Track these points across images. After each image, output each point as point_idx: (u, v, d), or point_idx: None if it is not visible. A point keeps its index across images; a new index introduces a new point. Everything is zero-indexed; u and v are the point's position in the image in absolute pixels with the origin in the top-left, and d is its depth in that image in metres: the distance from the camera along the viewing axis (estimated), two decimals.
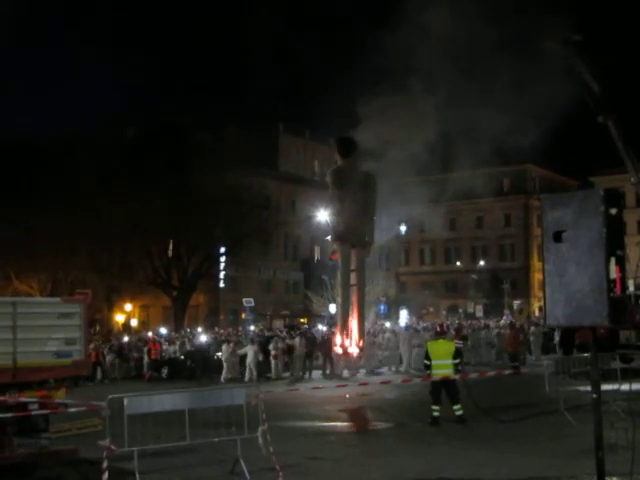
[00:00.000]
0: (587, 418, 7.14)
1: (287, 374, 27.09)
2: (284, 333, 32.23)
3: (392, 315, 55.44)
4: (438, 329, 16.01)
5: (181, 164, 44.55)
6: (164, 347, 30.50)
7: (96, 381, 27.41)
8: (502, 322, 37.93)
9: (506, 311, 57.37)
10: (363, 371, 27.15)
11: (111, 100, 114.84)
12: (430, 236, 73.82)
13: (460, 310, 68.50)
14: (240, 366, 26.53)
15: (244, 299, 49.88)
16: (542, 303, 7.30)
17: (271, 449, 9.45)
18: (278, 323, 51.13)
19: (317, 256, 62.93)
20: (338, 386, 20.21)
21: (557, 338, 28.30)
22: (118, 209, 41.45)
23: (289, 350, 27.42)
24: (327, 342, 26.78)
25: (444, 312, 68.13)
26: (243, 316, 53.16)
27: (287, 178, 62.70)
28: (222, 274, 54.79)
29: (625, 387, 13.42)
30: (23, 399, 9.72)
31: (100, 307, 47.33)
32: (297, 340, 27.61)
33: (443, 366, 13.96)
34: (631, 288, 18.01)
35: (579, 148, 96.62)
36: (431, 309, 68.18)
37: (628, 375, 14.26)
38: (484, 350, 30.23)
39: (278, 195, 59.60)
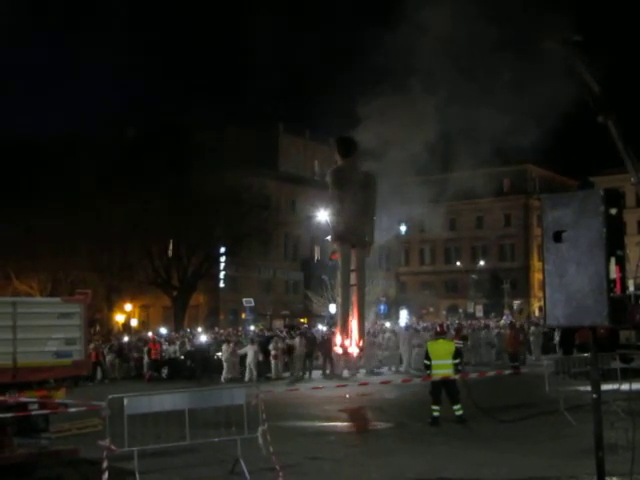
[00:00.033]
0: (587, 418, 7.14)
1: (287, 374, 27.09)
2: (284, 333, 32.23)
3: (392, 315, 55.43)
4: (438, 329, 16.01)
5: (181, 164, 44.55)
6: (164, 347, 30.50)
7: (96, 381, 27.41)
8: (502, 322, 37.93)
9: (506, 311, 57.36)
10: (363, 371, 27.16)
11: (111, 100, 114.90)
12: (430, 236, 73.84)
13: (460, 310, 68.50)
14: (240, 366, 26.53)
15: (244, 299, 49.88)
16: (542, 303, 7.30)
17: (271, 449, 9.45)
18: (278, 323, 51.13)
19: (317, 256, 62.94)
20: (338, 386, 20.21)
21: (557, 338, 28.30)
22: (118, 209, 41.46)
23: (289, 350, 27.42)
24: (327, 342, 26.78)
25: (444, 312, 68.13)
26: (243, 316, 53.16)
27: (287, 178, 62.70)
28: (222, 274, 54.79)
29: (625, 387, 13.42)
30: (23, 399, 9.72)
31: (100, 307, 47.33)
32: (297, 340, 27.62)
33: (443, 366, 13.96)
34: (631, 288, 18.03)
35: (579, 148, 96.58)
36: (431, 309, 68.17)
37: (628, 375, 14.26)
38: (484, 350, 30.23)
39: (278, 195, 59.60)
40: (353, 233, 22.39)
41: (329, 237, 25.68)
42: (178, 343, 31.42)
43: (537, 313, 58.90)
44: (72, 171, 41.36)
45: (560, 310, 5.98)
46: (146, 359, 29.43)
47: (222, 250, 51.40)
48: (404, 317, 55.24)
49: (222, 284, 55.64)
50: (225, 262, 53.62)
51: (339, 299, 23.89)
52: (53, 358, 10.11)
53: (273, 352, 26.79)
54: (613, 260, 5.74)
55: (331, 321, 36.38)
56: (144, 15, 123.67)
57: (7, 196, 41.38)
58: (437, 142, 22.28)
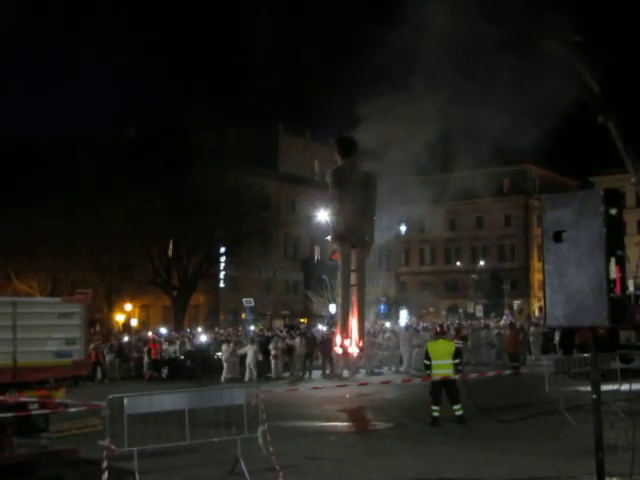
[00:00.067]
0: (587, 418, 7.14)
1: (287, 374, 27.09)
2: (284, 333, 32.23)
3: (392, 315, 55.44)
4: (438, 329, 16.01)
5: (181, 164, 44.55)
6: (164, 347, 30.51)
7: (96, 381, 27.41)
8: (502, 322, 37.92)
9: (506, 311, 57.36)
10: (363, 371, 27.16)
11: (111, 100, 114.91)
12: (430, 236, 73.84)
13: (460, 310, 68.49)
14: (240, 366, 26.53)
15: (244, 299, 49.87)
16: (542, 303, 7.30)
17: (271, 449, 9.45)
18: (278, 323, 51.11)
19: (317, 256, 62.95)
20: (338, 386, 20.21)
21: (557, 338, 28.30)
22: (118, 209, 41.46)
23: (289, 350, 27.42)
24: (327, 342, 26.79)
25: (444, 312, 68.12)
26: (243, 316, 53.17)
27: (287, 178, 62.70)
28: (222, 274, 54.79)
29: (625, 387, 13.42)
30: (23, 399, 9.72)
31: (100, 307, 47.32)
32: (297, 340, 27.62)
33: (443, 366, 13.96)
34: (631, 288, 18.00)
35: (579, 148, 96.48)
36: (431, 309, 68.16)
37: (628, 375, 14.25)
38: (484, 350, 30.23)
39: (278, 195, 59.59)
40: (353, 233, 22.40)
41: (329, 237, 25.68)
42: (178, 343, 31.42)
43: (537, 313, 58.88)
44: (72, 171, 41.36)
45: (560, 310, 5.98)
46: (146, 359, 29.43)
47: (222, 250, 51.38)
48: (404, 317, 55.23)
49: (222, 284, 55.65)
50: (225, 262, 53.61)
51: (339, 299, 23.91)
52: (53, 358, 10.11)
53: (273, 352, 26.79)
54: (613, 260, 5.74)
55: (331, 321, 36.38)
56: (144, 15, 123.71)
57: (7, 196, 41.38)
58: (437, 142, 22.30)
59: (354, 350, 22.85)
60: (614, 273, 5.72)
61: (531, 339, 30.67)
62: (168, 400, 10.03)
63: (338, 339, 23.04)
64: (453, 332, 26.62)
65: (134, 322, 54.02)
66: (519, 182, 74.23)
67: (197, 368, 26.98)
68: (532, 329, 31.65)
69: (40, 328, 10.14)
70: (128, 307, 53.18)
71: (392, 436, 13.07)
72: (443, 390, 13.78)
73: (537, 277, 67.06)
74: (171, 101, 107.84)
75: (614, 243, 5.79)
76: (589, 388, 6.57)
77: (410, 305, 64.00)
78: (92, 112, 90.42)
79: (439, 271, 76.40)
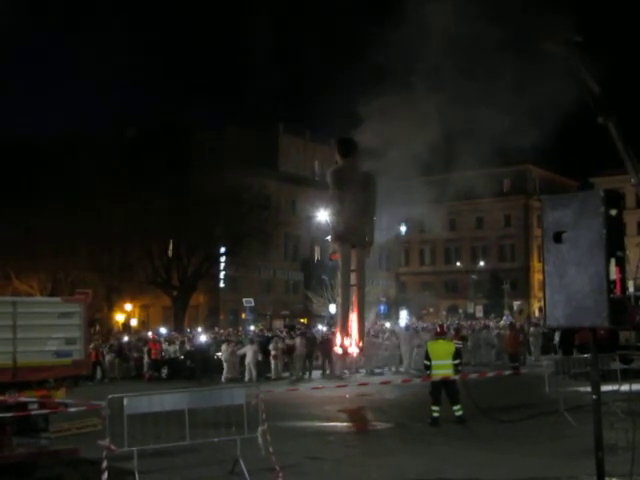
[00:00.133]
0: (587, 419, 7.14)
1: (287, 374, 27.09)
2: (284, 333, 32.23)
3: (392, 315, 55.45)
4: (438, 330, 16.02)
5: (181, 164, 44.54)
6: (164, 347, 30.50)
7: (96, 381, 27.39)
8: (502, 323, 37.93)
9: (506, 311, 57.38)
10: (363, 371, 27.17)
11: (111, 100, 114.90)
12: (430, 236, 73.85)
13: (460, 310, 68.50)
14: (240, 366, 26.53)
15: (244, 299, 49.84)
16: (542, 304, 7.30)
17: (271, 449, 9.46)
18: (278, 323, 51.13)
19: (317, 256, 62.94)
20: (338, 386, 20.22)
21: (557, 339, 28.30)
22: (118, 209, 41.44)
23: (289, 350, 27.42)
24: (327, 342, 26.79)
25: (444, 312, 68.13)
26: (243, 316, 53.15)
27: (287, 178, 62.70)
28: (222, 274, 54.80)
29: (625, 388, 13.43)
30: (23, 399, 9.72)
31: (100, 307, 47.29)
32: (297, 340, 27.62)
33: (443, 366, 13.96)
34: (631, 289, 17.98)
35: (579, 149, 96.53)
36: (431, 309, 68.18)
37: (628, 376, 14.28)
38: (484, 351, 30.22)
39: (278, 195, 59.60)
40: (353, 233, 22.36)
41: (329, 237, 25.64)
42: (178, 343, 31.42)
43: (537, 314, 58.89)
44: (72, 171, 41.32)
45: (560, 311, 5.98)
46: (146, 359, 29.42)
47: (222, 250, 51.38)
48: (404, 317, 55.24)
49: (222, 284, 55.66)
50: (225, 262, 53.61)
51: (339, 299, 23.86)
52: (53, 358, 10.12)
53: (273, 352, 26.79)
54: (613, 261, 5.75)
55: (331, 321, 36.38)
56: (144, 15, 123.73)
57: (7, 196, 41.36)
58: (437, 142, 22.27)
59: (354, 350, 22.83)
60: (614, 274, 5.73)
61: (531, 339, 30.67)
62: (168, 400, 10.03)
63: (338, 339, 23.03)
64: (453, 332, 26.64)
65: (134, 322, 54.02)
66: (519, 182, 74.23)
67: (197, 368, 26.97)
68: (532, 329, 31.66)
69: (40, 328, 10.14)
70: (128, 307, 53.17)
71: (392, 436, 13.08)
72: (443, 390, 13.78)
73: (537, 277, 67.07)
74: (171, 101, 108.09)
75: (614, 244, 5.79)
76: (589, 388, 6.57)
77: (410, 305, 64.01)
78: (92, 112, 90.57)
79: (439, 271, 76.40)
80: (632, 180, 9.42)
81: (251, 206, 47.58)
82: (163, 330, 41.49)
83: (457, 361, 14.35)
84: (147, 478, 9.41)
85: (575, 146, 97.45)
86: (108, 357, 29.80)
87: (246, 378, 25.30)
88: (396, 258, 75.76)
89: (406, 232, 64.78)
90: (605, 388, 8.09)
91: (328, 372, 26.88)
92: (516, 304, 67.23)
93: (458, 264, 73.35)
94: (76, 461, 10.25)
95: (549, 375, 15.20)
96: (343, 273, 22.66)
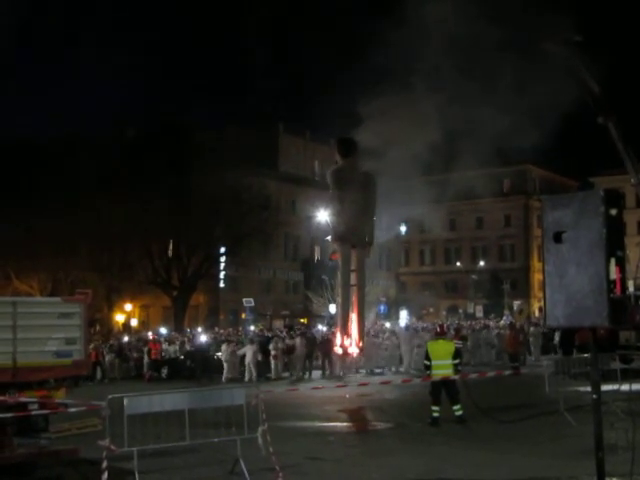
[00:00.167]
0: (587, 419, 7.13)
1: (287, 374, 27.09)
2: (284, 333, 32.23)
3: (392, 315, 55.46)
4: (438, 330, 16.02)
5: (181, 164, 44.55)
6: (164, 347, 30.50)
7: (96, 381, 27.40)
8: (502, 322, 37.93)
9: (506, 311, 57.38)
10: (363, 371, 27.18)
11: (111, 100, 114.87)
12: (430, 236, 73.83)
13: (460, 310, 68.50)
14: (240, 366, 26.53)
15: (244, 299, 49.85)
16: (542, 304, 7.30)
17: (271, 449, 9.46)
18: (278, 323, 51.14)
19: (317, 256, 62.95)
20: (338, 386, 20.21)
21: (557, 339, 28.29)
22: (118, 209, 41.44)
23: (289, 350, 27.42)
24: (327, 342, 26.80)
25: (444, 312, 68.13)
26: (243, 316, 53.15)
27: (287, 178, 62.70)
28: (222, 274, 54.79)
29: (625, 388, 13.43)
30: (23, 399, 9.72)
31: (100, 307, 47.28)
32: (298, 340, 27.62)
33: (443, 366, 13.96)
34: (631, 289, 17.97)
35: (579, 149, 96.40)
36: (431, 309, 68.18)
37: (628, 376, 14.28)
38: (484, 350, 30.22)
39: (278, 195, 59.61)
40: (353, 233, 22.36)
41: (329, 237, 25.64)
42: (178, 343, 31.42)
43: (537, 313, 58.89)
44: (72, 171, 41.33)
45: (560, 311, 5.98)
46: (146, 359, 29.43)
47: (222, 250, 51.39)
48: (404, 317, 55.25)
49: (222, 284, 55.65)
50: (225, 262, 53.61)
51: (339, 299, 23.87)
52: (53, 358, 10.12)
53: (273, 352, 26.79)
54: (613, 261, 5.74)
55: (331, 321, 36.38)
56: (144, 15, 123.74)
57: (7, 196, 41.36)
58: (437, 142, 22.28)
59: (354, 350, 22.84)
60: (614, 274, 5.72)
61: (531, 339, 30.67)
62: (168, 400, 10.03)
63: (338, 339, 23.03)
64: (453, 332, 26.64)
65: (134, 322, 54.00)
66: (519, 182, 74.23)
67: (197, 368, 26.97)
68: (532, 329, 31.65)
69: (40, 328, 10.15)
70: (128, 307, 53.16)
71: (392, 436, 13.08)
72: (443, 390, 13.78)
73: (537, 277, 67.07)
74: (171, 101, 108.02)
75: (614, 244, 5.79)
76: (589, 388, 6.57)
77: (410, 305, 64.01)
78: (92, 112, 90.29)
79: (439, 271, 76.40)
80: (632, 180, 9.42)
81: (251, 206, 47.60)
82: (163, 330, 41.51)
83: (457, 361, 14.35)
84: (147, 478, 9.41)
85: (575, 146, 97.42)
86: (108, 357, 29.81)
87: (246, 378, 25.31)
88: (396, 258, 75.77)
89: (406, 232, 64.79)
90: (605, 388, 8.09)
91: (328, 372, 26.88)
92: (516, 304, 67.23)
93: (458, 264, 73.35)
94: (76, 461, 10.25)
95: (549, 375, 15.20)
96: (343, 273, 22.67)
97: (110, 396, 9.27)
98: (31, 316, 10.15)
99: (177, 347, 30.79)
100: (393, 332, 30.80)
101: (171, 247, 49.13)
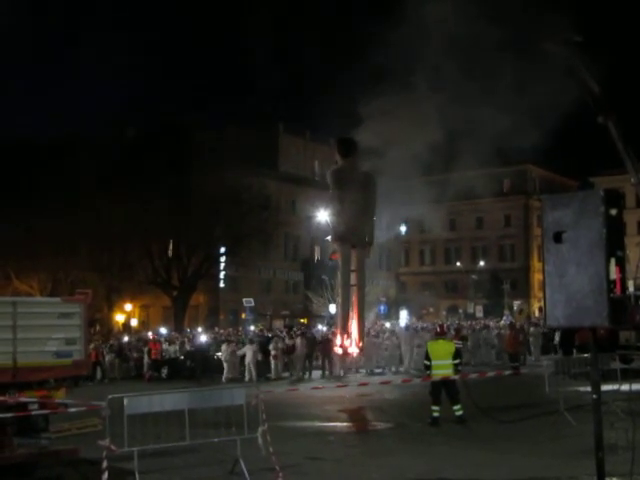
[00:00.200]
0: (587, 418, 7.14)
1: (287, 374, 27.09)
2: (284, 333, 32.23)
3: (392, 315, 55.47)
4: (438, 330, 16.03)
5: (181, 164, 44.54)
6: (164, 347, 30.50)
7: (96, 381, 27.41)
8: (502, 322, 37.93)
9: (506, 311, 57.37)
10: (363, 371, 27.18)
11: (111, 100, 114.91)
12: (430, 236, 73.80)
13: (460, 310, 68.50)
14: (240, 366, 26.54)
15: (244, 299, 49.88)
16: (542, 304, 7.29)
17: (271, 449, 9.46)
18: (278, 323, 51.14)
19: (317, 256, 62.96)
20: (338, 386, 20.22)
21: (557, 339, 28.29)
22: (118, 209, 41.44)
23: (289, 350, 27.42)
24: (327, 342, 26.81)
25: (444, 312, 68.13)
26: (243, 316, 53.18)
27: (287, 178, 62.70)
28: (222, 274, 54.80)
29: (625, 387, 13.43)
30: (23, 399, 9.72)
31: (100, 307, 47.30)
32: (298, 340, 27.62)
33: (443, 366, 13.97)
34: (631, 289, 17.98)
35: (579, 149, 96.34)
36: (431, 309, 68.18)
37: (628, 376, 14.28)
38: (484, 350, 30.21)
39: (278, 195, 59.60)
40: (353, 233, 22.38)
41: (329, 237, 25.66)
42: (178, 343, 31.42)
43: (537, 313, 58.89)
44: (72, 171, 41.34)
45: (560, 311, 5.98)
46: (146, 359, 29.43)
47: (222, 250, 51.39)
48: (404, 317, 55.26)
49: (222, 284, 55.65)
50: (225, 262, 53.61)
51: (339, 299, 23.88)
52: (53, 358, 10.12)
53: (273, 352, 26.79)
54: (613, 261, 5.74)
55: (331, 321, 36.39)
56: (144, 15, 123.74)
57: (7, 196, 41.36)
58: (437, 142, 22.29)
59: (354, 350, 22.85)
60: (614, 274, 5.72)
61: (531, 339, 30.67)
62: (168, 400, 10.03)
63: (338, 339, 23.04)
64: (453, 332, 26.64)
65: (134, 322, 54.00)
66: (519, 182, 74.22)
67: (197, 368, 26.98)
68: (532, 329, 31.65)
69: (40, 328, 10.14)
70: (128, 307, 53.16)
71: (392, 436, 13.08)
72: (443, 390, 13.78)
73: (537, 277, 67.07)
74: (171, 101, 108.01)
75: (614, 244, 5.79)
76: (589, 388, 6.57)
77: (410, 305, 64.02)
78: (92, 112, 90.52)
79: (439, 271, 76.39)
80: (632, 180, 9.41)
81: (251, 206, 47.60)
82: (163, 330, 41.49)
83: (457, 361, 14.36)
84: (147, 478, 9.41)
85: (575, 146, 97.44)
86: (108, 357, 29.81)
87: (246, 378, 25.31)
88: (396, 258, 75.77)
89: (406, 232, 64.79)
90: (605, 388, 8.09)
91: (328, 372, 26.89)
92: (516, 304, 67.23)
93: (458, 264, 73.35)
94: (76, 461, 10.25)
95: (549, 375, 15.19)
96: (343, 273, 22.68)
97: (110, 396, 9.27)
98: (31, 316, 10.15)
99: (177, 347, 30.79)
100: (393, 332, 30.79)
101: (171, 247, 49.14)
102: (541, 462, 9.98)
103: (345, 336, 22.45)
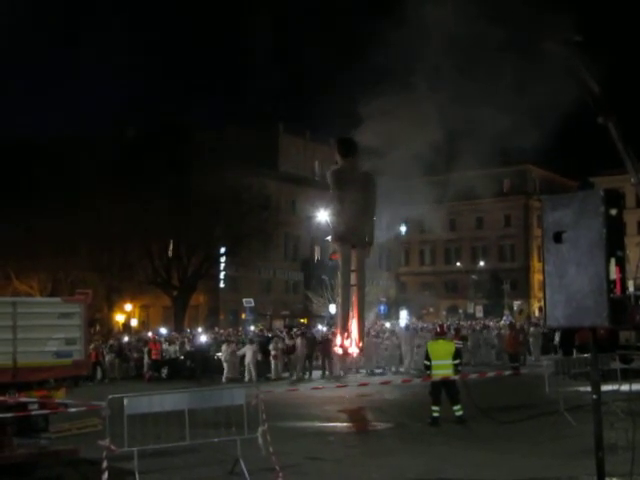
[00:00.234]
0: (587, 419, 7.14)
1: (287, 374, 27.09)
2: (284, 333, 32.23)
3: (392, 315, 55.46)
4: (438, 330, 16.03)
5: (181, 164, 44.53)
6: (164, 347, 30.48)
7: (96, 381, 27.39)
8: (502, 323, 37.93)
9: (506, 312, 57.37)
10: (363, 371, 27.18)
11: (111, 100, 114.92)
12: (430, 236, 73.79)
13: (460, 310, 68.48)
14: (240, 366, 26.53)
15: (244, 299, 49.87)
16: (542, 304, 7.29)
17: (271, 449, 9.46)
18: (278, 323, 51.12)
19: (317, 256, 62.96)
20: (338, 386, 20.22)
21: (557, 339, 28.29)
22: (118, 209, 41.43)
23: (289, 350, 27.41)
24: (327, 342, 26.80)
25: (444, 312, 68.12)
26: (243, 316, 53.17)
27: (287, 178, 62.70)
28: (222, 274, 54.81)
29: (625, 388, 13.44)
30: (23, 399, 9.72)
31: (100, 307, 47.28)
32: (298, 341, 27.61)
33: (443, 366, 13.97)
34: (631, 289, 17.99)
35: (579, 149, 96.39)
36: (431, 309, 68.19)
37: (628, 376, 14.28)
38: (484, 351, 30.22)
39: (278, 195, 59.60)
40: (353, 233, 22.39)
41: (329, 237, 25.68)
42: (178, 343, 31.41)
43: (537, 314, 58.88)
44: (72, 171, 41.33)
45: (560, 311, 5.98)
46: (146, 359, 29.41)
47: (222, 250, 51.39)
48: (404, 317, 55.26)
49: (222, 284, 55.65)
50: (225, 262, 53.61)
51: (339, 299, 23.90)
52: (53, 358, 10.12)
53: (273, 352, 26.78)
54: (613, 261, 5.74)
55: (331, 321, 36.39)
56: (144, 15, 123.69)
57: (7, 196, 41.33)
58: (438, 142, 22.30)
59: (354, 350, 22.85)
60: (614, 274, 5.72)
61: (531, 340, 30.66)
62: (168, 400, 10.04)
63: (338, 339, 23.04)
64: (453, 332, 26.64)
65: (134, 322, 53.98)
66: (519, 183, 74.23)
67: (197, 368, 26.98)
68: (532, 329, 31.64)
69: (40, 328, 10.14)
70: (128, 307, 53.15)
71: (392, 436, 13.08)
72: (443, 390, 13.78)
73: (537, 277, 67.06)
74: (171, 101, 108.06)
75: (614, 244, 5.79)
76: (589, 388, 6.57)
77: (410, 305, 64.02)
78: (92, 112, 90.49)
79: (439, 271, 76.40)
80: (632, 180, 9.41)
81: (251, 206, 47.59)
82: (163, 330, 41.45)
83: (457, 361, 14.36)
84: (147, 478, 9.41)
85: (575, 146, 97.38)
86: (108, 357, 29.80)
87: (246, 378, 25.30)
88: (396, 258, 75.77)
89: (406, 232, 64.76)
90: (605, 388, 8.10)
91: (328, 372, 26.88)
92: (516, 304, 67.24)
93: (458, 264, 73.36)
94: (76, 461, 10.25)
95: (549, 375, 15.20)
96: (343, 273, 22.69)
97: (110, 396, 9.27)
98: (31, 316, 10.15)
99: (177, 347, 30.78)
100: (393, 332, 30.79)
101: (171, 247, 49.12)
102: (541, 462, 9.98)
103: (345, 336, 22.46)
